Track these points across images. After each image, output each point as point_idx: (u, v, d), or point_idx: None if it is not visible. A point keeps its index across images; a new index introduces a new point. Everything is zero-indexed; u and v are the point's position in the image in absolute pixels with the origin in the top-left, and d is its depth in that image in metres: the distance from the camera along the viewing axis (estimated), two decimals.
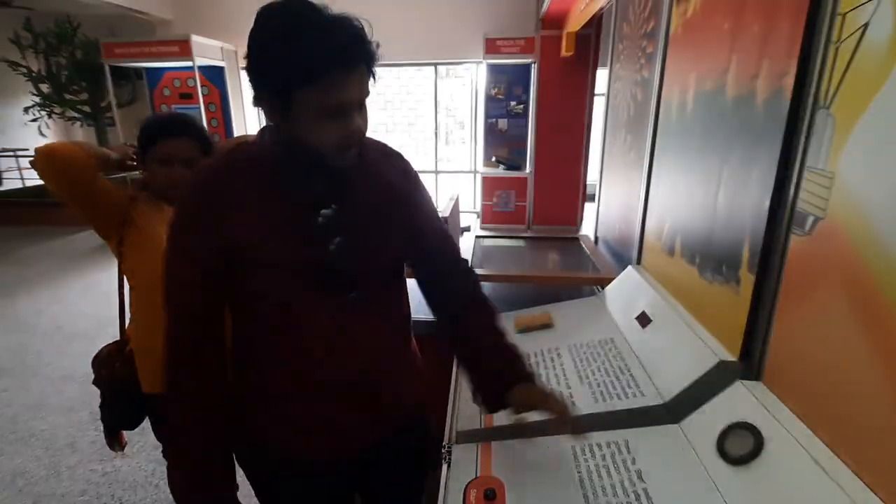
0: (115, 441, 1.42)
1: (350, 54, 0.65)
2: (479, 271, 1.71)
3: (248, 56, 0.69)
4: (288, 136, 0.73)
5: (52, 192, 1.19)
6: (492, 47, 5.41)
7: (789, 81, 0.76)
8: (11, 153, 7.30)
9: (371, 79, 0.71)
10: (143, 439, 2.16)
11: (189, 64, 5.63)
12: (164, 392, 0.82)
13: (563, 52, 5.07)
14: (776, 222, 0.80)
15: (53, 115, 7.31)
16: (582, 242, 2.11)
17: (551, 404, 0.82)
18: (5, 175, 7.59)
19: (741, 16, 0.92)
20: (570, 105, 5.33)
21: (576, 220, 5.68)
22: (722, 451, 0.76)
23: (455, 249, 1.02)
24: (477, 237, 2.14)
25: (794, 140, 0.76)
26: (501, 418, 1.01)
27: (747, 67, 0.90)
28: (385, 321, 0.89)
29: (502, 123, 6.03)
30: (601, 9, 3.39)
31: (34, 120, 7.23)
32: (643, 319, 1.20)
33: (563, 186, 5.57)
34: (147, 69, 6.20)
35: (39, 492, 1.88)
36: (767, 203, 0.81)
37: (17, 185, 7.35)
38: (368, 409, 0.88)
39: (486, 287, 2.03)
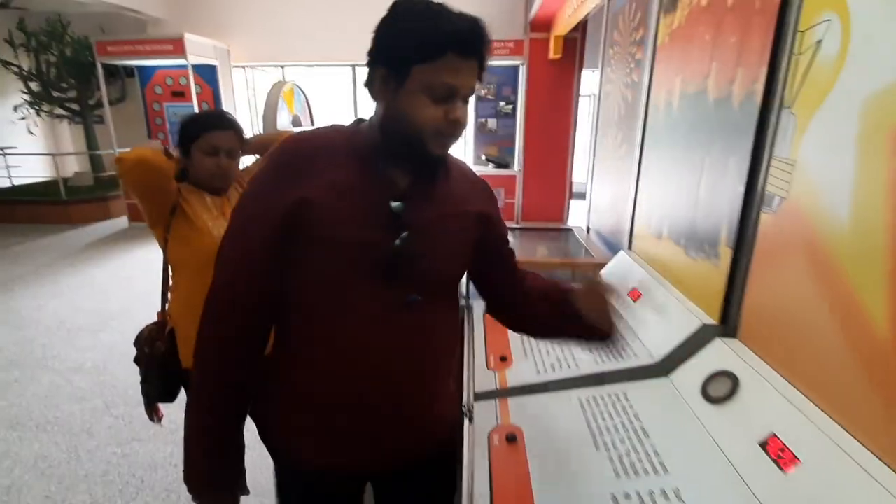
0: (153, 413, 1.51)
1: (469, 43, 0.70)
2: None
3: (376, 35, 0.72)
4: (391, 114, 0.73)
5: (128, 189, 1.31)
6: None
7: (760, 86, 0.91)
8: (0, 151, 7.21)
9: (479, 79, 0.74)
10: (156, 426, 2.25)
11: (182, 62, 5.66)
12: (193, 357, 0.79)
13: (551, 55, 5.25)
14: (749, 203, 0.95)
15: (42, 113, 7.24)
16: (575, 233, 2.27)
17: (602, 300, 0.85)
18: None
19: (720, 29, 1.08)
20: (557, 106, 5.51)
21: (562, 216, 5.87)
22: (705, 394, 0.91)
23: (512, 258, 1.00)
24: None
25: (764, 134, 0.91)
26: (516, 376, 1.15)
27: (725, 74, 1.05)
28: (440, 335, 0.85)
29: (492, 123, 6.19)
30: (588, 14, 3.55)
31: (23, 118, 7.15)
32: (634, 295, 1.35)
33: (550, 184, 5.76)
34: (139, 67, 6.22)
35: (62, 474, 1.96)
36: (742, 187, 0.96)
37: (6, 183, 7.25)
38: (408, 424, 0.84)
39: None
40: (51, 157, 7.95)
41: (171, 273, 1.42)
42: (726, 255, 1.02)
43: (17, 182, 7.28)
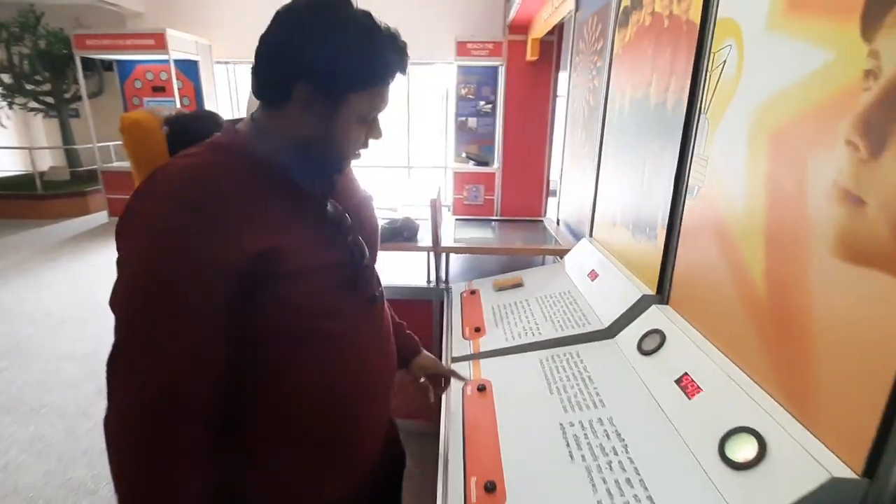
0: None
1: (405, 66, 0.69)
2: (463, 245, 2.03)
3: (301, 45, 0.63)
4: (317, 135, 0.68)
5: (129, 156, 1.42)
6: (462, 50, 5.74)
7: (685, 95, 1.11)
8: None
9: None
10: None
11: (163, 57, 5.67)
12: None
13: (529, 57, 5.46)
14: (678, 192, 1.14)
15: (14, 106, 7.11)
16: (545, 224, 2.46)
17: (440, 368, 1.05)
18: None
19: (659, 45, 1.27)
20: (535, 106, 5.74)
21: (540, 212, 6.10)
22: (640, 349, 1.10)
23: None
24: (456, 219, 2.46)
25: (689, 135, 1.11)
26: (488, 343, 1.33)
27: (662, 83, 1.24)
28: (389, 326, 0.88)
29: (472, 122, 6.38)
30: (563, 18, 3.75)
31: None
32: (592, 275, 1.54)
33: (529, 181, 5.98)
34: (118, 61, 6.18)
35: (61, 452, 2.06)
36: (673, 179, 1.15)
37: None
38: (384, 430, 0.87)
39: (465, 258, 2.35)
40: (24, 150, 7.82)
41: None
42: (662, 235, 1.21)
43: None
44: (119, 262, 0.61)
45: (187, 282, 0.59)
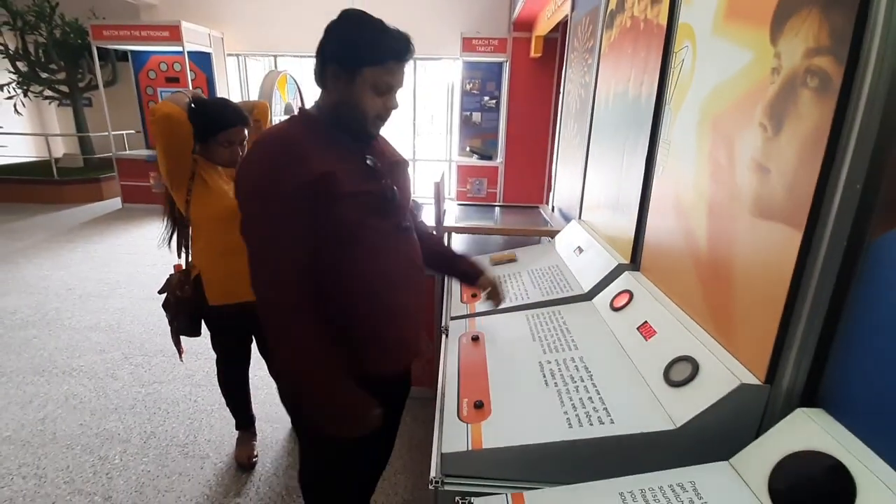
0: (180, 347, 1.82)
1: (407, 52, 0.94)
2: (462, 225, 2.22)
3: (331, 41, 0.92)
4: (344, 102, 0.95)
5: (154, 139, 1.57)
6: (468, 46, 5.90)
7: (655, 88, 1.29)
8: None
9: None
10: (176, 369, 2.56)
11: (178, 49, 5.85)
12: (278, 327, 0.92)
13: (532, 53, 5.62)
14: (648, 172, 1.32)
15: (30, 94, 7.30)
16: (541, 210, 2.65)
17: (498, 285, 1.34)
18: None
19: (636, 45, 1.45)
20: (538, 102, 5.90)
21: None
22: (612, 307, 1.28)
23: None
24: (459, 204, 2.64)
25: (657, 123, 1.29)
26: (483, 306, 1.52)
27: (638, 78, 1.42)
28: (418, 251, 1.14)
29: (476, 116, 6.54)
30: (566, 16, 3.90)
31: (9, 98, 7.20)
32: (578, 251, 1.72)
33: (531, 176, 6.15)
34: (133, 52, 6.37)
35: (93, 407, 2.26)
36: (644, 161, 1.33)
37: None
38: (419, 326, 1.13)
39: (468, 238, 2.54)
40: (38, 137, 8.03)
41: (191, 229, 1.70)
42: (635, 212, 1.39)
43: (2, 162, 7.34)
44: (244, 197, 0.92)
45: (286, 191, 0.89)
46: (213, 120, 1.61)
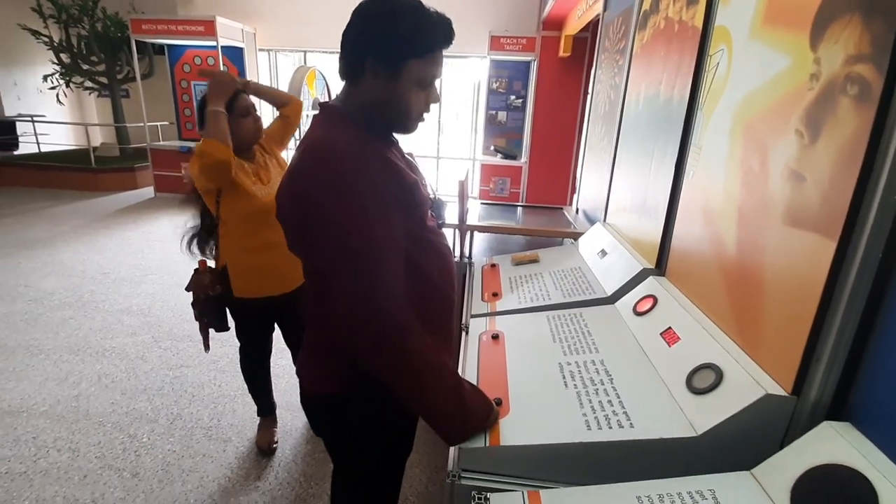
0: (206, 340, 1.86)
1: (451, 38, 0.85)
2: (485, 224, 2.23)
3: (365, 30, 0.81)
4: (384, 100, 0.85)
5: (197, 175, 1.58)
6: (496, 44, 5.89)
7: (687, 91, 1.27)
8: (29, 118, 7.59)
9: None
10: (202, 355, 2.64)
11: (212, 43, 6.01)
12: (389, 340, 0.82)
13: (561, 53, 5.56)
14: (677, 176, 1.31)
15: (72, 85, 7.61)
16: (564, 211, 2.63)
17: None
18: (22, 140, 7.88)
19: (669, 47, 1.43)
20: (565, 102, 5.84)
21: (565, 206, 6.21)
22: (635, 311, 1.27)
23: None
24: (482, 203, 2.65)
25: (689, 127, 1.27)
26: (503, 305, 1.52)
27: (671, 80, 1.40)
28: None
29: (502, 115, 6.52)
30: (597, 16, 3.86)
31: (52, 88, 7.52)
32: (602, 254, 1.71)
33: (555, 176, 6.10)
34: (169, 45, 6.56)
35: (124, 387, 2.36)
36: (673, 165, 1.31)
37: (33, 149, 7.65)
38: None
39: (490, 237, 2.54)
40: (77, 126, 8.36)
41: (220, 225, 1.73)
42: (662, 216, 1.38)
43: (43, 149, 7.68)
44: (326, 212, 0.80)
45: (386, 210, 0.84)
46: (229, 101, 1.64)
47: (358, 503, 1.12)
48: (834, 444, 0.70)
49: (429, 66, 0.84)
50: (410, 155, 1.05)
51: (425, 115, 0.91)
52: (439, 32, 0.83)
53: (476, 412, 0.91)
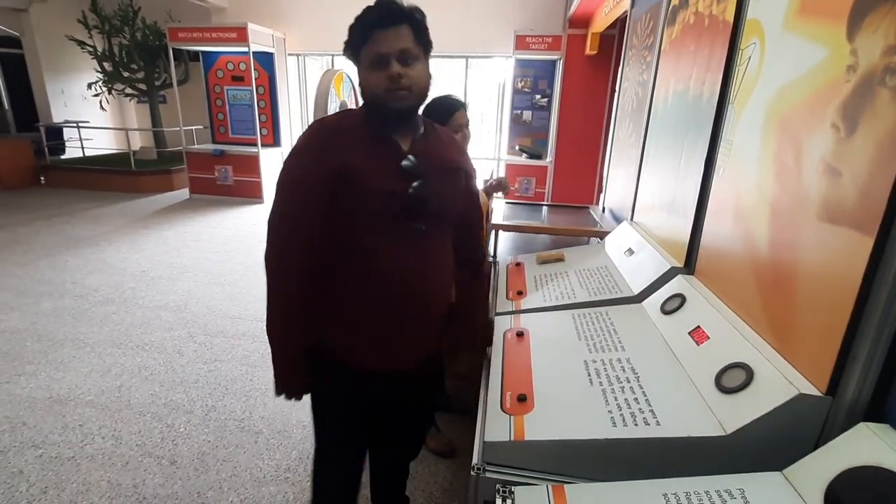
0: None
1: (384, 18, 0.94)
2: (510, 223, 2.23)
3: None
4: (362, 87, 1.00)
5: None
6: (521, 43, 5.86)
7: (717, 87, 1.24)
8: (74, 125, 7.99)
9: (414, 36, 0.96)
10: (234, 350, 2.74)
11: (243, 49, 6.19)
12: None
13: (588, 51, 5.49)
14: (707, 173, 1.28)
15: (113, 91, 7.98)
16: (590, 210, 2.60)
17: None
18: (68, 144, 8.31)
19: (699, 42, 1.40)
20: (592, 101, 5.76)
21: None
22: (662, 309, 1.26)
23: (478, 239, 1.26)
24: (506, 202, 2.65)
25: (719, 122, 1.24)
26: (528, 303, 1.53)
27: (700, 76, 1.38)
28: (439, 260, 1.09)
29: (527, 115, 6.48)
30: (624, 13, 3.80)
31: (96, 95, 7.91)
32: (629, 253, 1.69)
33: (581, 176, 6.01)
34: (204, 52, 6.80)
35: (162, 379, 2.46)
36: (703, 162, 1.29)
37: (78, 153, 8.06)
38: (420, 330, 1.10)
39: (515, 236, 2.54)
40: (118, 131, 8.75)
41: None
42: (691, 214, 1.35)
43: (87, 153, 8.08)
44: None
45: (301, 178, 0.99)
46: None
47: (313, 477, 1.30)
48: (871, 445, 0.68)
49: (372, 47, 0.95)
50: (448, 170, 1.07)
51: (397, 88, 0.96)
52: (369, 17, 0.95)
53: (281, 377, 1.09)
